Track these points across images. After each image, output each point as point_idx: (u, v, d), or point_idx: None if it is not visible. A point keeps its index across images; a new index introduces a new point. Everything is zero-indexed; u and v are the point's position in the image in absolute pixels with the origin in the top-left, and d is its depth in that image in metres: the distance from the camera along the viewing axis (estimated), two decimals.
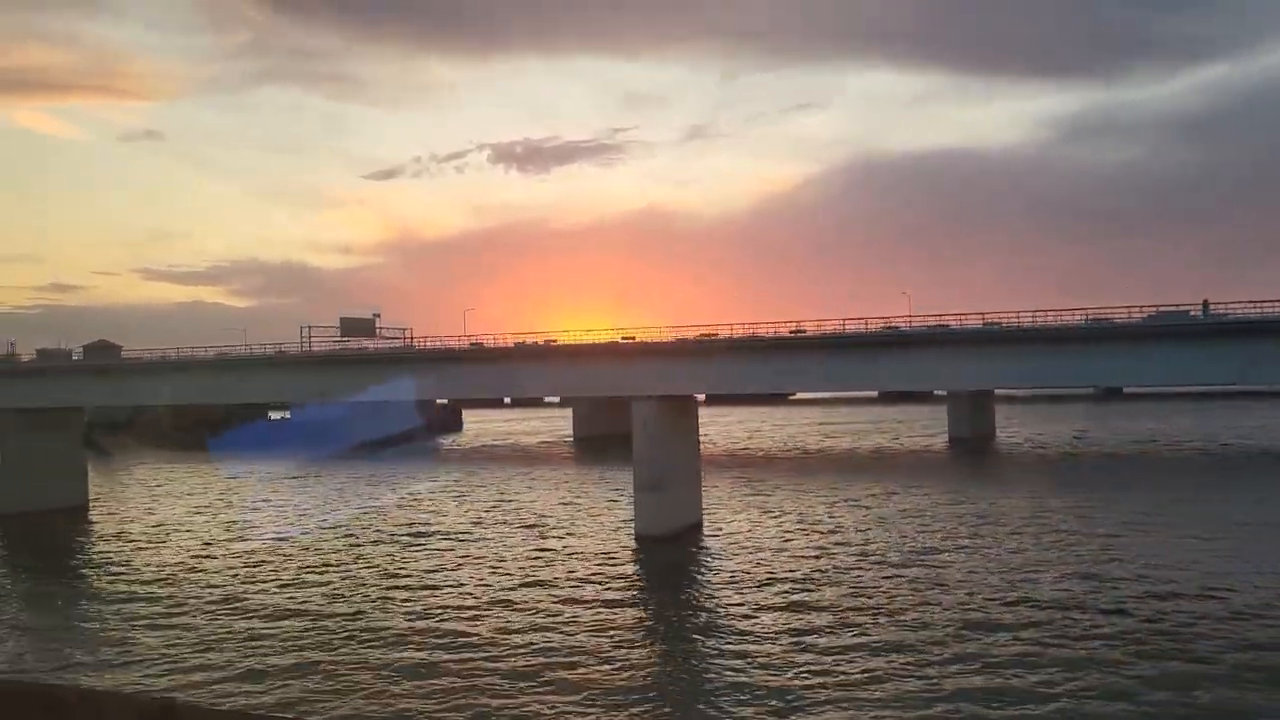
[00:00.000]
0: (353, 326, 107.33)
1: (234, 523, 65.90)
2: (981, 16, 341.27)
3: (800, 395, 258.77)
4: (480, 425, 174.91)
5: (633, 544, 53.39)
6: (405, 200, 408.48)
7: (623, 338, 59.93)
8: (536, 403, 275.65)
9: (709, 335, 57.39)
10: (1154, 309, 50.03)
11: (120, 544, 58.92)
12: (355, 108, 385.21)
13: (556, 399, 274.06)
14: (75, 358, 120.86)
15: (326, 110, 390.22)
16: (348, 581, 46.45)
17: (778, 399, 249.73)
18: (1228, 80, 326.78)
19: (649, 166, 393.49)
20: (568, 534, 57.19)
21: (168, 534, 62.00)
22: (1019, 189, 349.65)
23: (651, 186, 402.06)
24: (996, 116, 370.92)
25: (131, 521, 68.11)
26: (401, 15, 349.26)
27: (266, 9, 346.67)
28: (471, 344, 72.08)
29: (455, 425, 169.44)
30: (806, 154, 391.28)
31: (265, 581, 46.77)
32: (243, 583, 46.70)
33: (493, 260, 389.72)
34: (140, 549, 56.98)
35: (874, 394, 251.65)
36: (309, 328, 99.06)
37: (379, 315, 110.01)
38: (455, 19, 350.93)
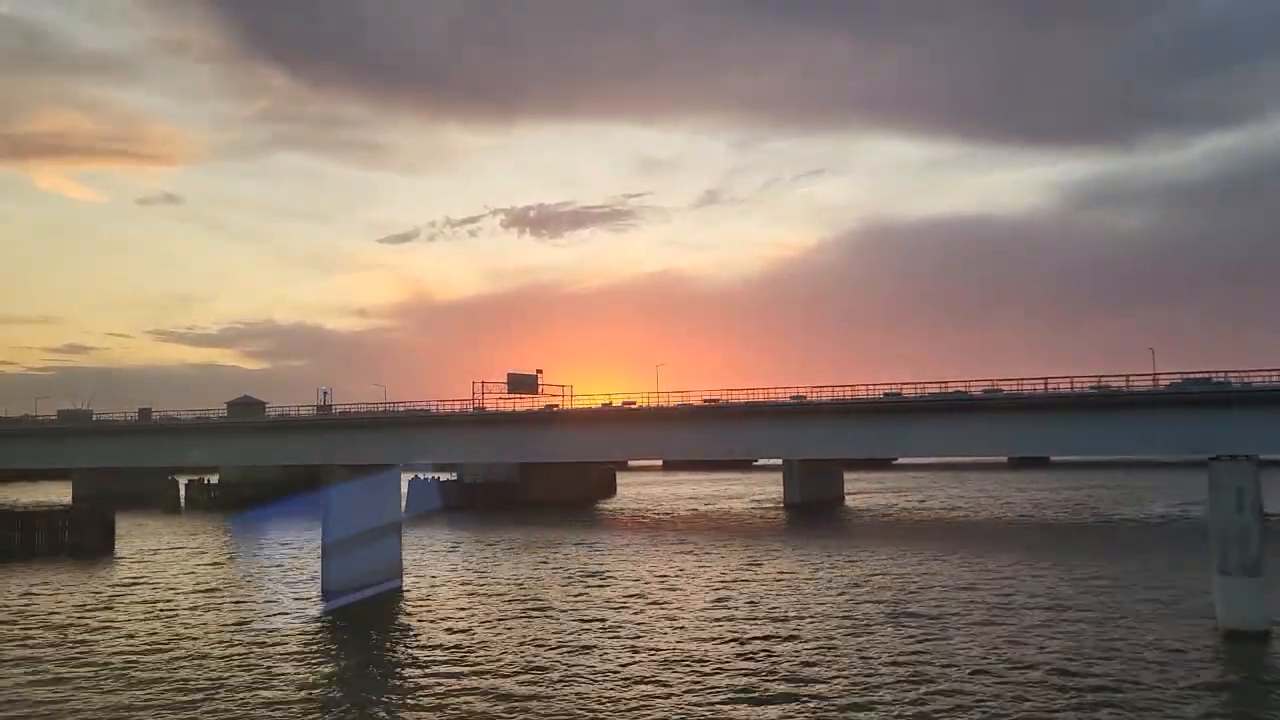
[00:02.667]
0: (519, 382, 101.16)
1: (630, 599, 56.37)
2: (994, 84, 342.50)
3: (902, 460, 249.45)
4: (624, 489, 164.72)
5: (1217, 640, 44.05)
6: (420, 264, 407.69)
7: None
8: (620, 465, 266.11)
9: None
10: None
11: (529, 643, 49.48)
12: (372, 173, 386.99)
13: (659, 462, 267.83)
14: (221, 414, 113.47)
15: (343, 175, 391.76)
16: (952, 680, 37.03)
17: (881, 463, 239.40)
18: (1240, 148, 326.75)
19: (663, 231, 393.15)
20: (1132, 623, 47.79)
21: (549, 616, 52.64)
22: (1033, 254, 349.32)
23: (666, 251, 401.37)
24: (1009, 182, 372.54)
25: (501, 600, 58.71)
26: (421, 83, 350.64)
27: (286, 76, 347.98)
28: (706, 401, 65.29)
29: (609, 489, 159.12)
30: (821, 219, 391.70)
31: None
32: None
33: (507, 323, 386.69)
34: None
35: (1004, 459, 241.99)
36: (482, 383, 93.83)
37: (541, 372, 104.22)
38: (473, 87, 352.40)
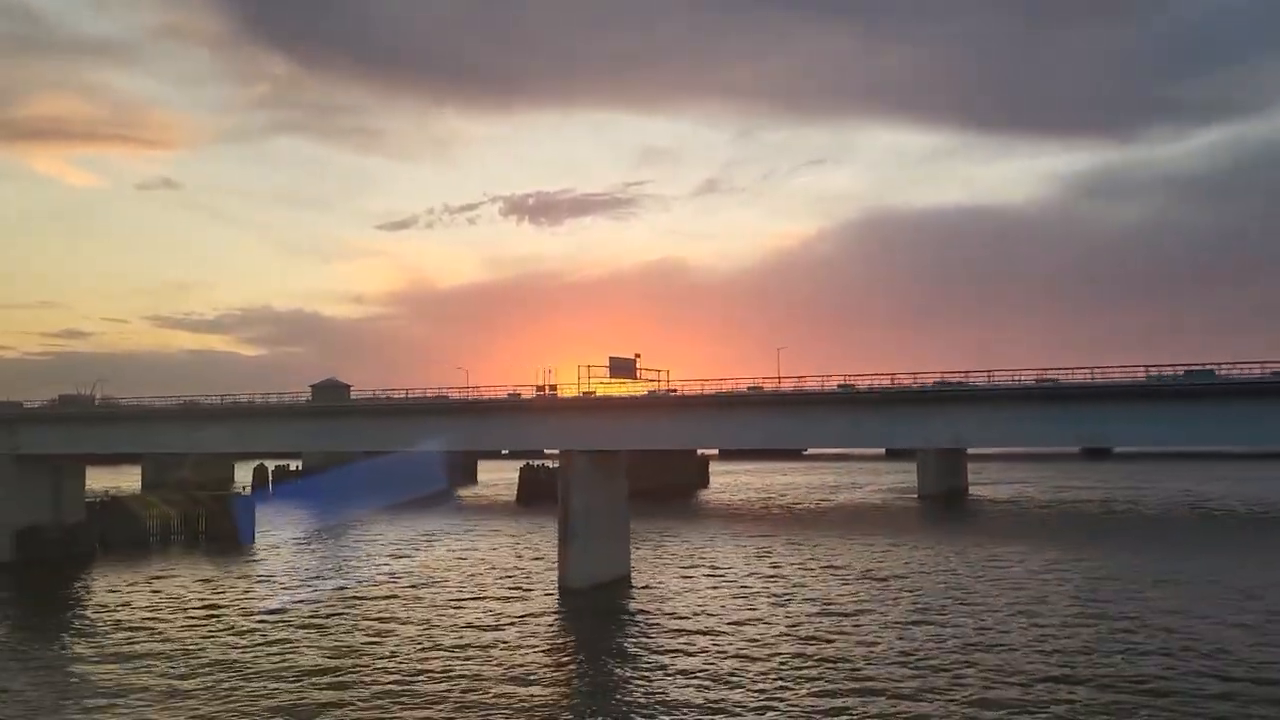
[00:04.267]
0: (619, 366, 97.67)
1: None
2: (995, 77, 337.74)
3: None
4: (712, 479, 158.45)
5: None
6: (418, 251, 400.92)
7: None
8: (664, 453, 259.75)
9: None
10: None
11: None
12: (371, 159, 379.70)
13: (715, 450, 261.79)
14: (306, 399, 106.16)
15: (342, 161, 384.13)
16: None
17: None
18: (1240, 140, 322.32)
19: (663, 220, 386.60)
20: None
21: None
22: (1033, 245, 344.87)
23: (665, 240, 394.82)
24: (1009, 173, 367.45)
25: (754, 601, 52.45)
26: (420, 69, 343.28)
27: (285, 62, 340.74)
28: (901, 386, 57.87)
29: (704, 479, 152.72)
30: (820, 209, 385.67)
31: None
32: None
33: (505, 312, 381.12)
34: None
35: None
36: (588, 367, 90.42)
37: (639, 355, 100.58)
38: (473, 73, 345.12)
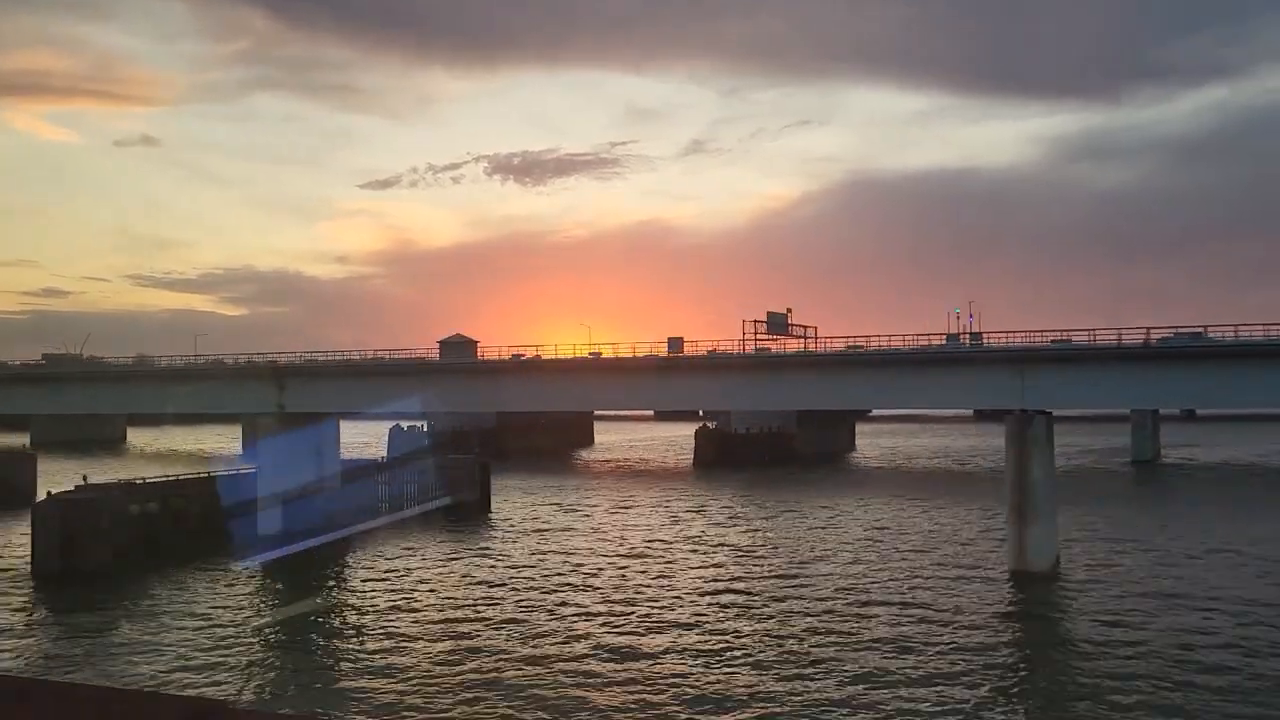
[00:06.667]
0: (775, 322, 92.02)
1: None
2: (983, 37, 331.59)
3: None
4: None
5: None
6: (401, 211, 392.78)
7: None
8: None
9: None
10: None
11: None
12: (354, 117, 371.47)
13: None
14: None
15: (324, 119, 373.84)
16: None
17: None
18: (1228, 103, 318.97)
19: (648, 180, 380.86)
20: None
21: None
22: (1020, 207, 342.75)
23: (651, 200, 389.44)
24: (997, 136, 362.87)
25: None
26: (404, 26, 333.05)
27: (267, 17, 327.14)
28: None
29: (851, 442, 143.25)
30: (807, 170, 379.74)
31: None
32: None
33: (490, 272, 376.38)
34: None
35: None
36: (754, 323, 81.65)
37: (791, 311, 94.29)
38: (458, 30, 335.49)
